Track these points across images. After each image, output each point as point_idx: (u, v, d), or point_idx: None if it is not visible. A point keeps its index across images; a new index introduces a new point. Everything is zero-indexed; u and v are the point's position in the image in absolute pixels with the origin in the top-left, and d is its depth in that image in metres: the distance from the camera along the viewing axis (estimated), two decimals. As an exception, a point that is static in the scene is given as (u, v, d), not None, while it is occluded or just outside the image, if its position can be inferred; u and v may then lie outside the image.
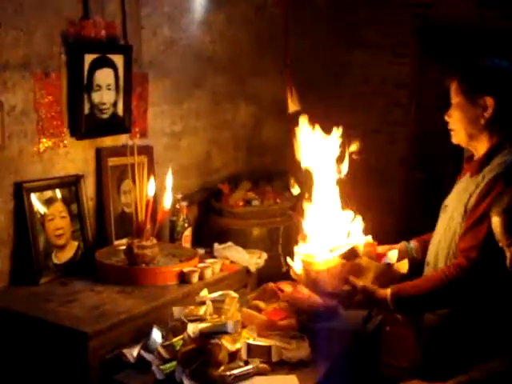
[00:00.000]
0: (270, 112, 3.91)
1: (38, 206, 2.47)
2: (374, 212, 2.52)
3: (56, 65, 2.50)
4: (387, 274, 2.21)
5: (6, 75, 2.31)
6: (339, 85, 4.26)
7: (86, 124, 2.63)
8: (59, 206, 2.56)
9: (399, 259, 2.30)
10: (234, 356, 2.13)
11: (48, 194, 2.52)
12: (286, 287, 2.65)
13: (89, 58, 2.59)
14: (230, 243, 2.96)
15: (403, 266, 2.26)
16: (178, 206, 2.96)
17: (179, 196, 2.98)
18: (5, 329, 2.22)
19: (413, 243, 2.40)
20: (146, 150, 2.97)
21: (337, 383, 2.21)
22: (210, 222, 3.29)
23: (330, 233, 2.32)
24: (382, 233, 2.43)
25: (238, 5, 3.53)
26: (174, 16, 3.10)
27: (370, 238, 2.35)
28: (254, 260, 2.86)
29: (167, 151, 3.18)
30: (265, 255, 2.91)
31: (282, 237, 3.22)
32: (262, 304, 2.48)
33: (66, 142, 2.58)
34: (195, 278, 2.54)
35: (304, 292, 2.57)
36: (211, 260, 2.74)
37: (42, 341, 2.14)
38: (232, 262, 2.83)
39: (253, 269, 2.83)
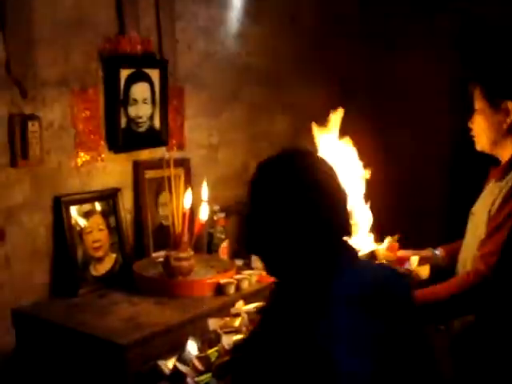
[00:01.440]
0: (308, 122, 3.90)
1: (77, 218, 2.51)
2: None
3: (93, 80, 2.55)
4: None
5: (44, 91, 2.37)
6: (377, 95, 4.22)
7: (123, 137, 2.67)
8: (97, 219, 2.60)
9: (423, 264, 2.27)
10: (268, 368, 2.12)
11: (86, 207, 2.56)
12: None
13: (125, 73, 2.63)
14: (267, 254, 2.94)
15: (424, 271, 2.23)
16: (215, 218, 2.97)
17: (216, 208, 3.00)
18: (44, 339, 2.26)
19: (439, 250, 2.36)
20: (183, 163, 3.00)
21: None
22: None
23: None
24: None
25: (274, 16, 3.53)
26: (209, 29, 3.13)
27: (392, 240, 2.32)
28: (292, 271, 2.84)
29: (205, 163, 3.20)
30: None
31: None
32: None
33: (103, 155, 2.62)
34: (232, 290, 2.54)
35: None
36: (248, 271, 2.73)
37: (79, 352, 2.17)
38: (269, 273, 2.82)
39: (290, 280, 2.81)
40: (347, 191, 1.36)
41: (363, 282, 1.23)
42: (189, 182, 2.96)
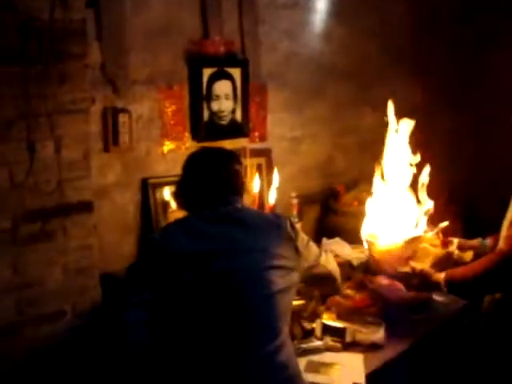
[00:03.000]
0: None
1: (162, 199, 2.90)
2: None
3: (178, 78, 2.93)
4: (448, 261, 2.34)
5: (134, 89, 2.77)
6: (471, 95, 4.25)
7: (205, 129, 3.03)
8: (181, 200, 2.98)
9: (469, 250, 2.42)
10: (310, 333, 2.38)
11: (171, 189, 2.92)
12: (383, 281, 2.84)
13: (207, 72, 2.98)
14: (337, 238, 3.19)
15: (467, 256, 2.38)
16: (293, 203, 3.25)
17: (293, 194, 3.27)
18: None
19: (489, 240, 2.48)
20: (265, 153, 3.31)
21: (404, 369, 2.36)
22: (327, 221, 3.53)
23: (399, 219, 2.51)
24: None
25: (361, 17, 3.73)
26: (293, 32, 3.41)
27: (439, 228, 2.49)
28: (357, 254, 3.06)
29: (287, 154, 3.49)
30: (367, 250, 3.09)
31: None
32: (351, 292, 2.70)
33: (187, 144, 2.99)
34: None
35: (396, 286, 2.75)
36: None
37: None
38: (336, 255, 3.05)
39: (355, 262, 3.03)
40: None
41: (219, 212, 2.13)
42: (270, 170, 3.26)
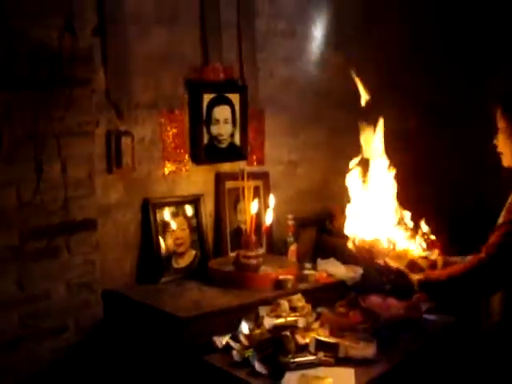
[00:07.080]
0: (391, 144, 4.18)
1: (163, 219, 3.00)
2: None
3: (179, 103, 3.05)
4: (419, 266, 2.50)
5: (136, 113, 2.90)
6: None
7: (205, 152, 3.15)
8: (181, 220, 3.08)
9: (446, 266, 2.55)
10: (303, 348, 2.47)
11: (171, 209, 3.04)
12: (375, 299, 2.94)
13: (207, 97, 3.11)
14: (332, 259, 3.29)
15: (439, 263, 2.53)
16: (289, 224, 3.36)
17: (290, 216, 3.37)
18: (127, 314, 2.77)
19: (469, 257, 2.58)
20: (262, 176, 3.42)
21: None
22: (322, 242, 3.63)
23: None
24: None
25: (356, 46, 3.87)
26: (290, 58, 3.55)
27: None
28: (350, 274, 3.15)
29: (284, 177, 3.60)
30: (360, 270, 3.18)
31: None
32: (343, 309, 2.79)
33: (187, 167, 3.11)
34: (289, 285, 2.90)
35: (389, 303, 2.85)
36: (309, 271, 3.09)
37: (150, 323, 2.66)
38: (330, 274, 3.15)
39: (348, 282, 3.12)
40: None
41: None
42: (267, 192, 3.37)
